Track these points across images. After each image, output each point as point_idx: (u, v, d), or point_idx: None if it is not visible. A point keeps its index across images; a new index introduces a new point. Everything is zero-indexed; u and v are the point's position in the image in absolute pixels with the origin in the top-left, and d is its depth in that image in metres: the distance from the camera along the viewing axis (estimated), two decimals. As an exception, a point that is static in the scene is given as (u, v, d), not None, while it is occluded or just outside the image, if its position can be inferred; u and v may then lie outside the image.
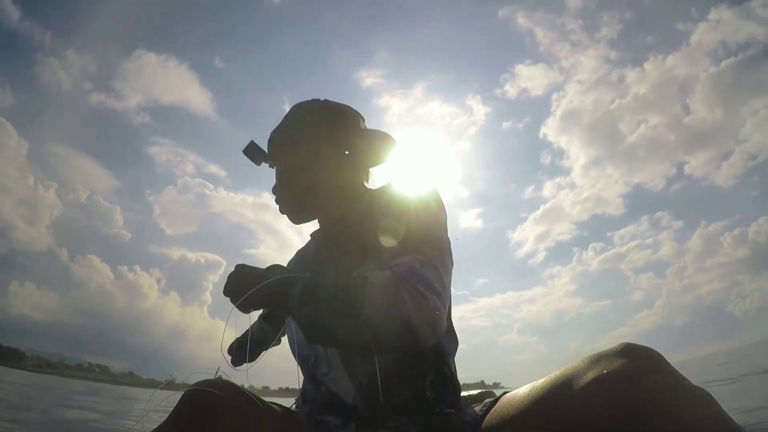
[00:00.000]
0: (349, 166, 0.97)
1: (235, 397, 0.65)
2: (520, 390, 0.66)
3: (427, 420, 0.80)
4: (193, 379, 0.72)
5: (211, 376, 0.82)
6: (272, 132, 1.02)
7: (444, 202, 0.88)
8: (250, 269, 0.78)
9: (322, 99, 1.03)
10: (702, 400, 0.49)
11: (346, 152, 0.96)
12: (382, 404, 0.80)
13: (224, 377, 0.81)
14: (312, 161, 0.95)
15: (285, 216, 0.99)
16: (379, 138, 1.00)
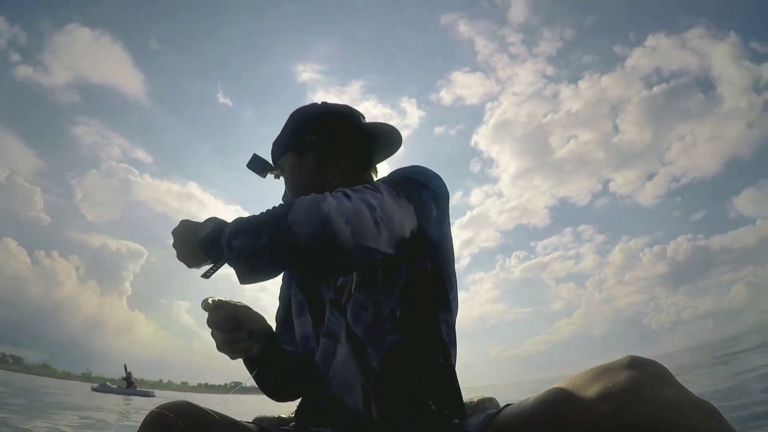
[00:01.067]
0: (350, 165, 0.96)
1: (198, 421, 0.62)
2: (524, 402, 0.65)
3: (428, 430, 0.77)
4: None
5: None
6: (274, 141, 1.01)
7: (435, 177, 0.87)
8: (190, 224, 0.76)
9: (320, 102, 1.02)
10: (706, 413, 0.49)
11: (345, 153, 0.95)
12: (385, 408, 0.77)
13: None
14: (318, 164, 0.94)
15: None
16: (383, 131, 0.99)
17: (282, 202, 0.91)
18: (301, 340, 0.93)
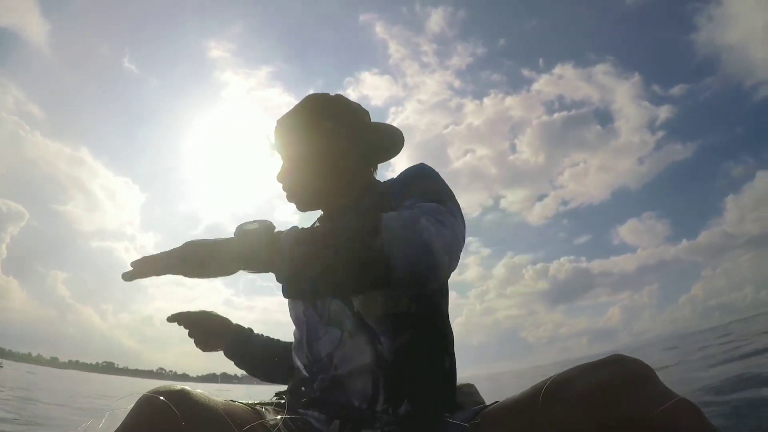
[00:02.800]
0: (359, 158, 0.99)
1: (191, 403, 0.59)
2: (510, 399, 0.66)
3: (415, 423, 0.78)
4: None
5: None
6: (281, 118, 1.01)
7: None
8: (207, 240, 0.71)
9: (333, 94, 1.04)
10: (689, 411, 0.50)
11: (356, 145, 0.98)
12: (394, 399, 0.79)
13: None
14: (324, 151, 0.95)
15: (291, 202, 0.98)
16: (389, 132, 1.02)
17: (282, 183, 0.98)
18: (297, 326, 0.95)
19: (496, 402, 0.71)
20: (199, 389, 0.63)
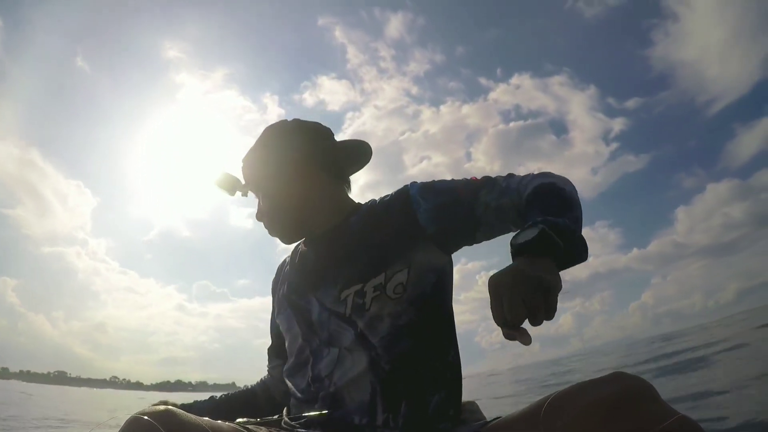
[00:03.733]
0: (331, 179, 0.98)
1: (177, 422, 0.58)
2: (512, 415, 0.66)
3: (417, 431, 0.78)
4: None
5: None
6: (244, 157, 1.02)
7: None
8: (514, 267, 0.65)
9: (290, 119, 1.04)
10: (689, 426, 0.50)
11: (325, 168, 0.97)
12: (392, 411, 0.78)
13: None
14: (292, 180, 0.96)
15: (274, 236, 1.00)
16: (355, 146, 1.02)
17: (261, 221, 0.98)
18: (298, 351, 0.92)
19: (499, 417, 0.72)
20: (178, 407, 0.64)
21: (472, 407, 0.92)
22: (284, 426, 0.84)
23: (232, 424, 0.70)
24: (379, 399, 0.79)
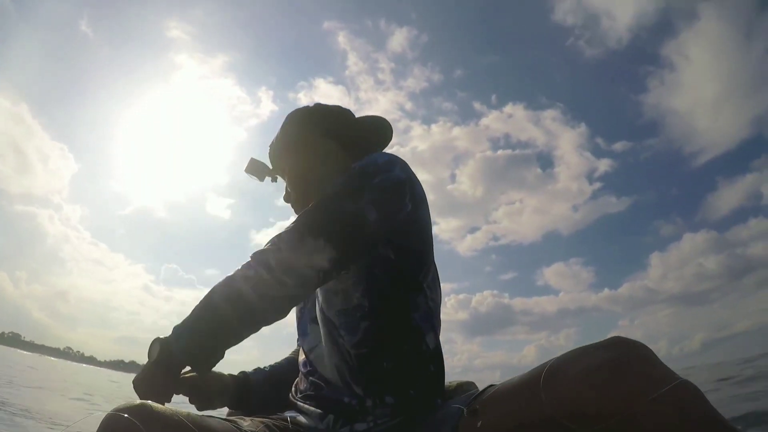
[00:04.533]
0: (353, 158, 0.98)
1: (156, 417, 0.58)
2: (508, 382, 0.66)
3: (408, 411, 0.79)
4: None
5: None
6: (271, 143, 1.04)
7: (410, 179, 0.85)
8: (141, 374, 0.74)
9: (312, 104, 1.06)
10: (689, 391, 0.50)
11: (348, 147, 0.99)
12: (365, 389, 0.80)
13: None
14: (316, 162, 0.98)
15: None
16: (375, 123, 1.04)
17: (290, 203, 0.99)
18: (297, 325, 0.99)
19: (492, 385, 0.71)
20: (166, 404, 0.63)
21: (470, 387, 0.93)
22: (290, 399, 0.90)
23: (216, 417, 0.71)
24: (353, 384, 0.81)
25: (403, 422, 0.78)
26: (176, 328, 0.73)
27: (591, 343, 0.58)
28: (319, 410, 0.82)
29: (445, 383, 0.92)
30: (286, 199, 1.01)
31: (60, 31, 56.23)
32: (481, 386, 0.76)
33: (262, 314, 0.74)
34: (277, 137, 1.03)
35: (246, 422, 0.74)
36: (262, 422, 0.77)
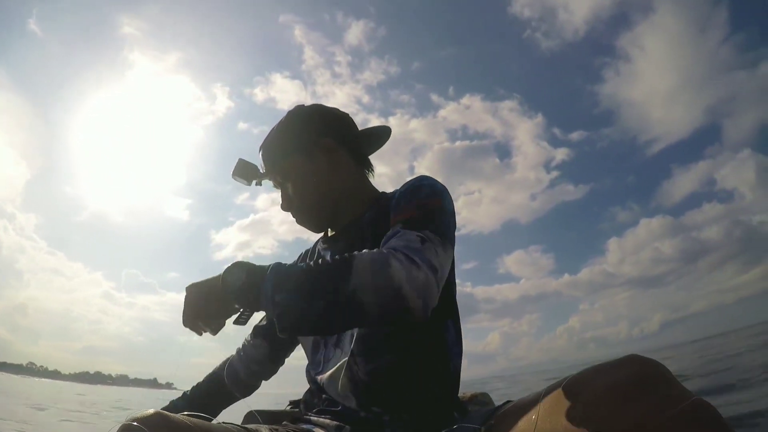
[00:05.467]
0: (356, 164, 0.97)
1: (171, 426, 0.57)
2: (525, 399, 0.66)
3: (425, 428, 0.79)
4: None
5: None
6: (264, 143, 0.97)
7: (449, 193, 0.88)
8: (205, 282, 0.74)
9: (310, 104, 1.01)
10: (705, 410, 0.50)
11: (351, 154, 0.96)
12: (381, 408, 0.80)
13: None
14: (322, 166, 0.92)
15: (303, 226, 0.97)
16: (377, 132, 1.02)
17: (288, 211, 0.95)
18: (313, 350, 0.94)
19: (509, 401, 0.71)
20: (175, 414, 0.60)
21: (484, 398, 0.94)
22: (297, 416, 0.86)
23: (232, 424, 0.68)
24: (373, 400, 0.80)
25: None
26: (278, 275, 0.68)
27: (606, 361, 0.58)
28: (335, 422, 0.80)
29: (460, 394, 0.93)
30: (287, 207, 0.95)
31: (6, 31, 52.03)
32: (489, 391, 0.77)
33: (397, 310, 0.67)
34: (275, 137, 0.96)
35: (264, 430, 0.73)
36: (284, 429, 0.77)
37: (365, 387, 0.81)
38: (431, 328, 0.85)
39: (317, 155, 0.93)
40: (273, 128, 0.97)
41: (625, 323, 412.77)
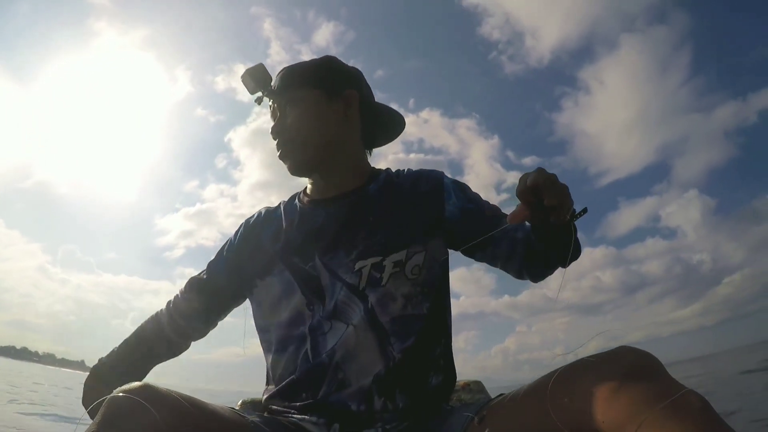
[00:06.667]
0: (361, 139, 0.95)
1: (159, 397, 0.57)
2: (518, 391, 0.65)
3: (417, 415, 0.78)
4: None
5: None
6: (293, 66, 0.92)
7: None
8: None
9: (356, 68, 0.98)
10: (698, 403, 0.49)
11: (364, 123, 0.94)
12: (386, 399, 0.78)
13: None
14: (334, 116, 0.89)
15: (284, 160, 0.90)
16: (393, 117, 0.99)
17: (276, 138, 0.89)
18: (291, 321, 0.85)
19: (502, 395, 0.71)
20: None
21: (478, 386, 0.94)
22: (273, 407, 0.82)
23: (231, 410, 0.69)
24: (380, 385, 0.78)
25: (411, 427, 0.78)
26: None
27: (599, 352, 0.58)
28: (323, 419, 0.77)
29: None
30: (278, 133, 0.89)
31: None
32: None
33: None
34: (304, 65, 0.92)
35: (255, 418, 0.72)
36: (273, 418, 0.76)
37: (396, 365, 0.78)
38: (444, 311, 0.87)
39: (336, 101, 0.89)
40: (304, 61, 0.94)
41: (561, 348, 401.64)
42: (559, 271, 0.83)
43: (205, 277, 0.96)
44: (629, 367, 0.53)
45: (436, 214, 0.86)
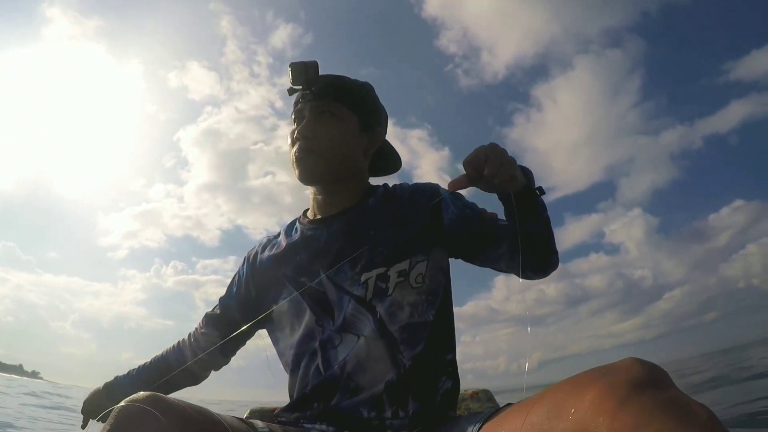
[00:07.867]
0: (372, 165, 1.01)
1: (173, 409, 0.58)
2: (525, 401, 0.65)
3: (426, 423, 0.79)
4: None
5: None
6: (341, 76, 0.96)
7: None
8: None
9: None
10: (705, 416, 0.49)
11: (377, 155, 1.01)
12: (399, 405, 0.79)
13: None
14: (364, 151, 0.96)
15: (300, 167, 0.90)
16: (395, 157, 1.06)
17: (301, 141, 0.89)
18: (303, 339, 0.87)
19: (509, 404, 0.71)
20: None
21: (486, 395, 0.95)
22: (283, 419, 0.83)
23: (239, 420, 0.70)
24: (391, 393, 0.79)
25: None
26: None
27: (604, 364, 0.57)
28: (333, 427, 0.79)
29: (462, 390, 0.94)
30: (309, 138, 0.89)
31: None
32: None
33: None
34: (349, 82, 0.95)
35: (261, 425, 0.73)
36: (282, 427, 0.76)
37: (407, 372, 0.80)
38: (448, 317, 0.88)
39: (365, 135, 0.96)
40: (350, 79, 0.97)
41: (504, 358, 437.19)
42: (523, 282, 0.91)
43: (218, 312, 1.01)
44: (636, 379, 0.52)
45: (435, 223, 0.89)
